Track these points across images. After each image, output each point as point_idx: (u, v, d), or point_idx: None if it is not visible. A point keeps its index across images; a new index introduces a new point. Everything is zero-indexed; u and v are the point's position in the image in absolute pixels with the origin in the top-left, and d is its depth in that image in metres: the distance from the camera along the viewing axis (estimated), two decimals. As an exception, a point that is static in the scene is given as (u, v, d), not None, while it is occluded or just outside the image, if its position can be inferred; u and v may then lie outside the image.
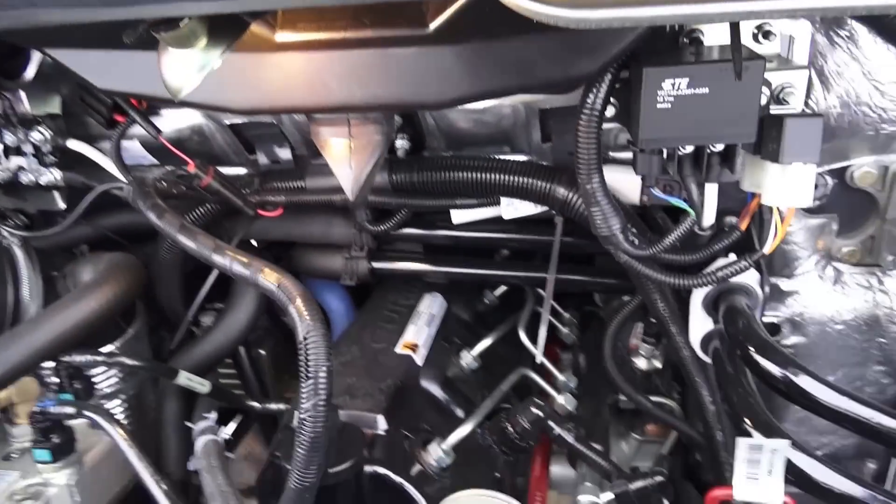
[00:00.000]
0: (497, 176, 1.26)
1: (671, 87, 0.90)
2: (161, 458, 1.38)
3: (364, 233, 1.48)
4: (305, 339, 0.92)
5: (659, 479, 1.24)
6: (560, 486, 1.42)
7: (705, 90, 0.90)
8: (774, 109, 1.04)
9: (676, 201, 1.11)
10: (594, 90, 0.91)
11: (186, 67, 0.76)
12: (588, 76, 0.90)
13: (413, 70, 0.84)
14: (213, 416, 1.21)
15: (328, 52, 0.86)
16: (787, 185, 1.03)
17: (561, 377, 1.50)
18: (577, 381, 1.52)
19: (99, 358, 1.30)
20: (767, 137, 1.01)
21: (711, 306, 1.21)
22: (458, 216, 1.40)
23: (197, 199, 1.42)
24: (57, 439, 1.24)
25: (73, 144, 1.33)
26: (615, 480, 1.27)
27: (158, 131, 1.27)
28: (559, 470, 1.45)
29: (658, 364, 1.55)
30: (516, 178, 1.25)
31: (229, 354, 1.50)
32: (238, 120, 1.29)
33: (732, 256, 1.19)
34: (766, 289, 1.21)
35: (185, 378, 1.32)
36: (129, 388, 1.45)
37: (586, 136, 0.97)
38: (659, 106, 0.90)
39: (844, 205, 1.20)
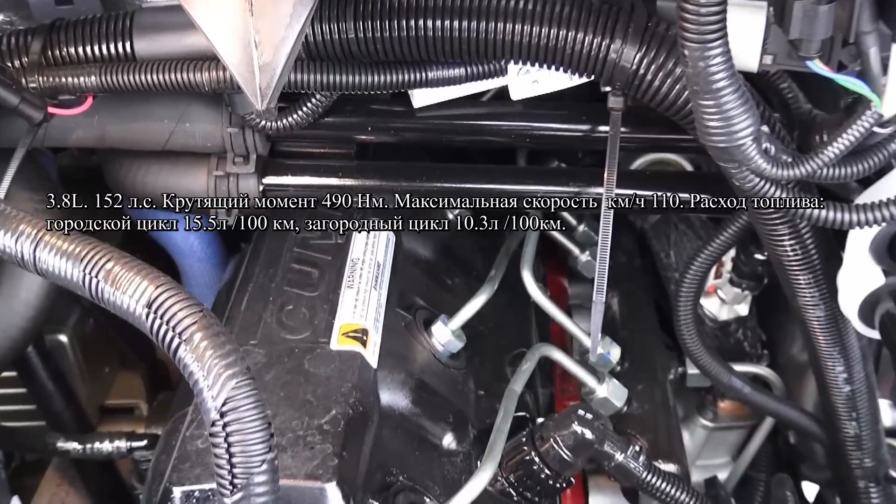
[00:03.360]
0: (507, 27, 0.69)
1: None
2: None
3: (249, 131, 0.80)
4: (222, 416, 0.46)
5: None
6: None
7: None
8: None
9: (849, 81, 0.61)
10: None
11: None
12: None
13: None
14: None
15: None
16: None
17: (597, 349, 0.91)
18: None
19: None
20: None
21: (885, 250, 0.75)
22: (423, 97, 0.77)
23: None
24: None
25: None
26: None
27: None
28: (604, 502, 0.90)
29: (742, 311, 1.01)
30: (544, 31, 0.69)
31: (7, 366, 0.82)
32: None
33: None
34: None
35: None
36: None
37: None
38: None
39: None
